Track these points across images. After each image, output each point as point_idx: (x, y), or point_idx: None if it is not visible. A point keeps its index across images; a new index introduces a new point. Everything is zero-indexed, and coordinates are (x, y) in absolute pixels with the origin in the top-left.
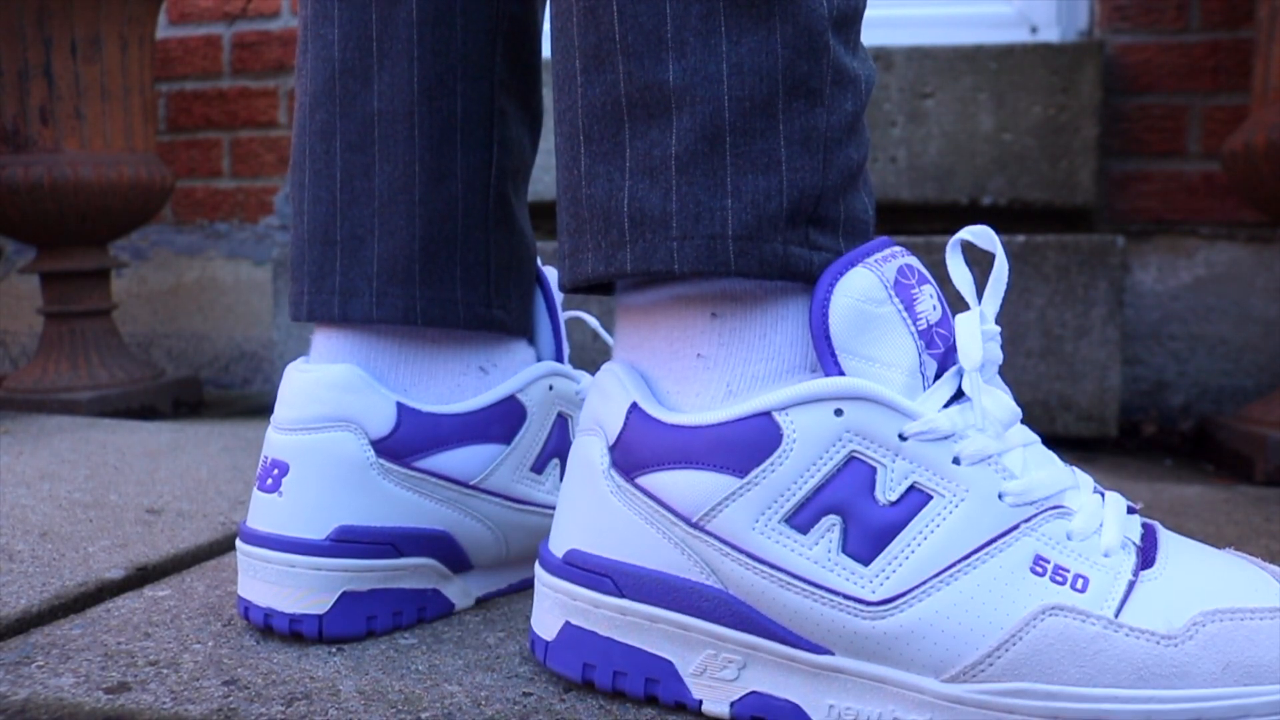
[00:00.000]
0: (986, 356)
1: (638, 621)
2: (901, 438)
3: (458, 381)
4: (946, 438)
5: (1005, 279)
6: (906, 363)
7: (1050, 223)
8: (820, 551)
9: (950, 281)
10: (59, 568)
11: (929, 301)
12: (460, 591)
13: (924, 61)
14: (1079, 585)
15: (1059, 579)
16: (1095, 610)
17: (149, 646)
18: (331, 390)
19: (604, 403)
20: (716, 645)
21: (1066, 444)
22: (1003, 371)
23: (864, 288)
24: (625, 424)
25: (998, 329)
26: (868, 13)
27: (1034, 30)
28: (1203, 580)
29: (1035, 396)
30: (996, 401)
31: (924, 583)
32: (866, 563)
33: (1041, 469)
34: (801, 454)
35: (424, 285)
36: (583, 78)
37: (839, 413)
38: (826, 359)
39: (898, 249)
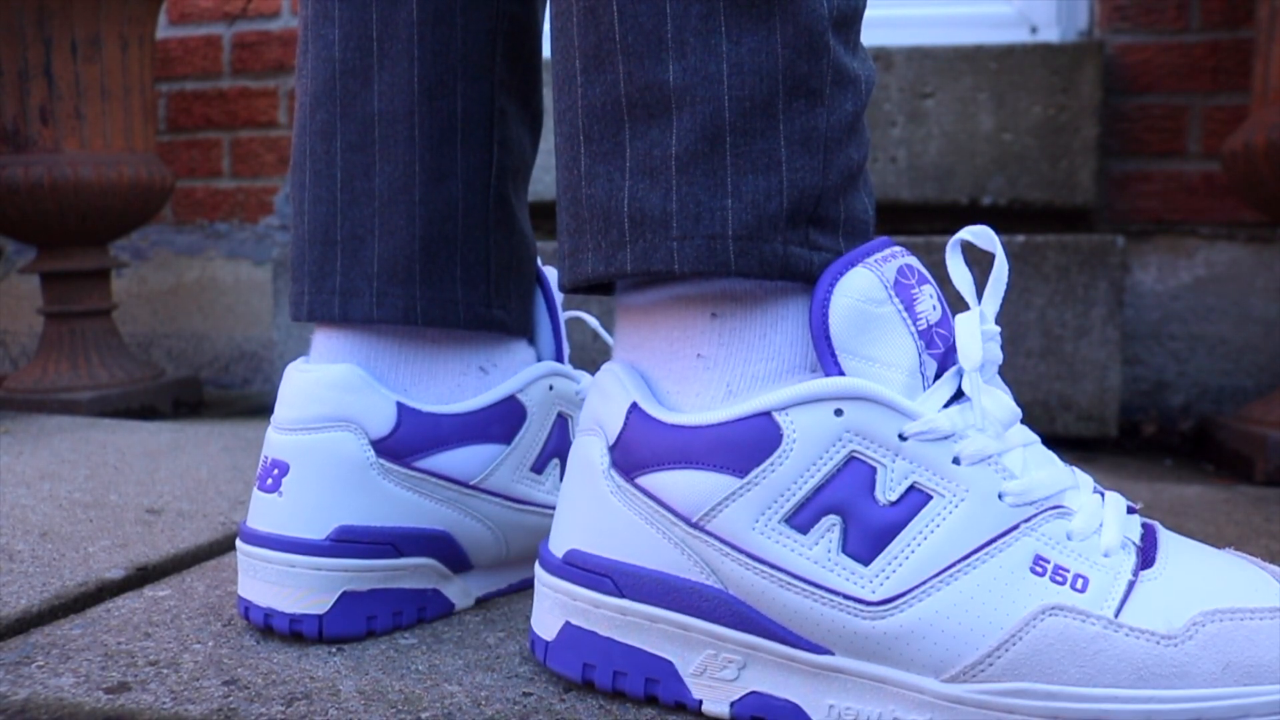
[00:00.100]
0: (986, 356)
1: (638, 621)
2: (901, 438)
3: (458, 381)
4: (946, 438)
5: (1005, 279)
6: (906, 363)
7: (1050, 223)
8: (820, 551)
9: (950, 281)
10: (59, 568)
11: (929, 301)
12: (460, 591)
13: (924, 61)
14: (1079, 585)
15: (1059, 579)
16: (1095, 610)
17: (149, 646)
18: (332, 390)
19: (604, 403)
20: (716, 645)
21: (1066, 444)
22: (1003, 371)
23: (864, 288)
24: (625, 424)
25: (998, 329)
26: (868, 13)
27: (1034, 30)
28: (1203, 580)
29: (1035, 396)
30: (996, 401)
31: (924, 583)
32: (866, 563)
33: (1041, 469)
34: (801, 454)
35: (424, 285)
36: (583, 78)
37: (839, 413)
38: (826, 359)
39: (898, 249)
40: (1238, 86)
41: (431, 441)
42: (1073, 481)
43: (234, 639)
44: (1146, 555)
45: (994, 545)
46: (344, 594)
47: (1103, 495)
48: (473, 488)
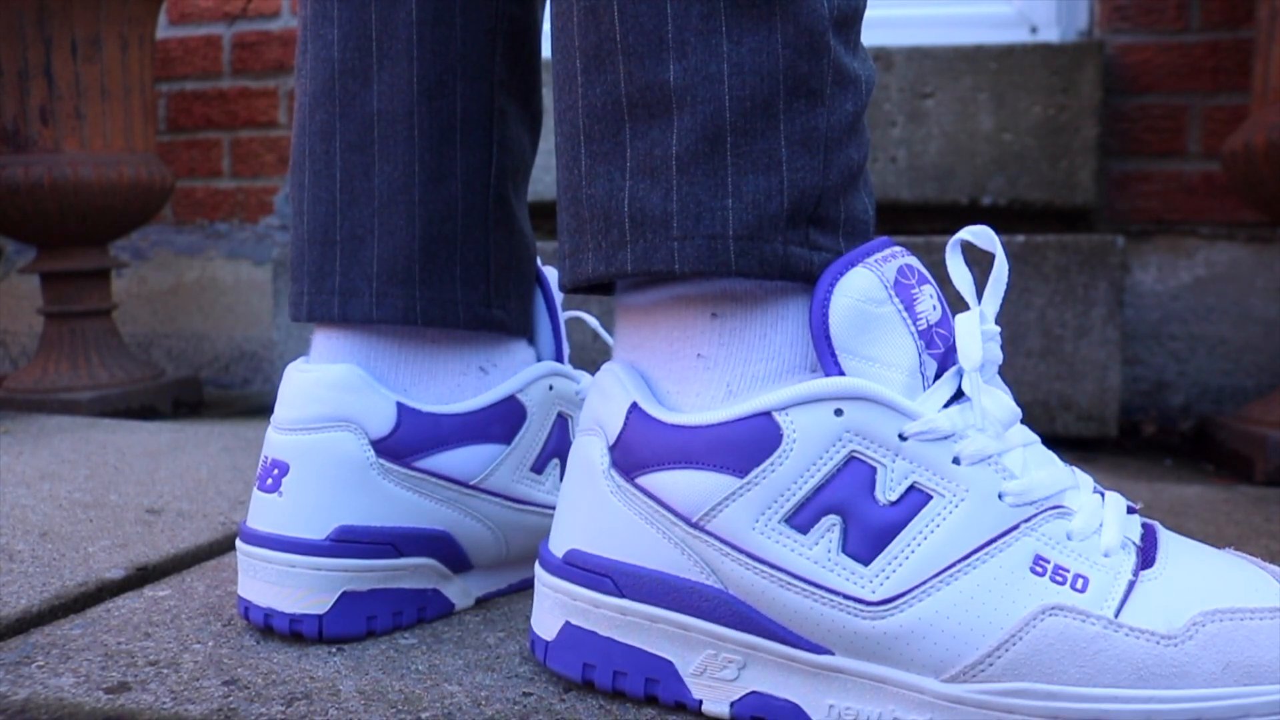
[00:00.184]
0: (986, 356)
1: (638, 621)
2: (901, 438)
3: (458, 381)
4: (946, 438)
5: (1005, 279)
6: (906, 363)
7: (1050, 223)
8: (820, 551)
9: (950, 281)
10: (59, 568)
11: (929, 301)
12: (460, 591)
13: (924, 61)
14: (1079, 585)
15: (1059, 579)
16: (1095, 610)
17: (149, 646)
18: (331, 390)
19: (604, 403)
20: (716, 645)
21: (1066, 444)
22: (1003, 371)
23: (864, 288)
24: (625, 424)
25: (998, 329)
26: (868, 13)
27: (1034, 30)
28: (1203, 580)
29: (1035, 396)
30: (996, 401)
31: (924, 583)
32: (866, 563)
33: (1041, 469)
34: (801, 454)
35: (424, 285)
36: (583, 78)
37: (839, 413)
38: (826, 359)
39: (898, 249)
40: (1238, 86)
41: (431, 441)
42: (1073, 481)
43: (234, 639)
44: (1146, 555)
45: (994, 545)
46: (344, 594)
47: (1103, 495)
48: (473, 488)
